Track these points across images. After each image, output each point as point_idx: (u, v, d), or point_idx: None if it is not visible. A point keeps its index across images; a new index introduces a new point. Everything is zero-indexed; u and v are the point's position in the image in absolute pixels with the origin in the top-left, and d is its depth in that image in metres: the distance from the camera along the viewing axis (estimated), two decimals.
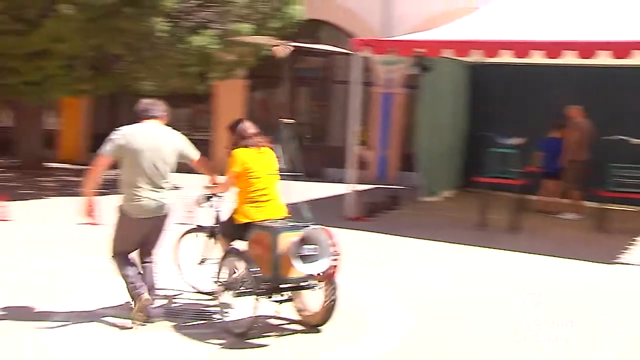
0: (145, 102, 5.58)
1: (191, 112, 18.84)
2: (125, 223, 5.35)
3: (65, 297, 5.89)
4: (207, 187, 5.80)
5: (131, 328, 5.16)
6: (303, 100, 18.74)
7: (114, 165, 5.36)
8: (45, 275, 6.58)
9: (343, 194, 11.35)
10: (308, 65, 18.70)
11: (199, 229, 6.18)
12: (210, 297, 5.86)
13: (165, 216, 5.43)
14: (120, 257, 5.39)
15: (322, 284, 5.22)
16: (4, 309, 5.50)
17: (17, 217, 9.30)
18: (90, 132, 18.10)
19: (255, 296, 5.03)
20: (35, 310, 5.53)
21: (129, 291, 5.29)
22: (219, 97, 17.33)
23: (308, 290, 5.26)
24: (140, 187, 5.25)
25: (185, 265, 6.22)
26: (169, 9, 11.17)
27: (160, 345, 4.94)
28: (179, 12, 11.99)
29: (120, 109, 18.76)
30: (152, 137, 5.35)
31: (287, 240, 5.06)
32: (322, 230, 5.19)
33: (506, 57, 10.15)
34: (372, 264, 7.83)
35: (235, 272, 5.31)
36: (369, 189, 13.28)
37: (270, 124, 18.58)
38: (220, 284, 5.42)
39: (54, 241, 8.14)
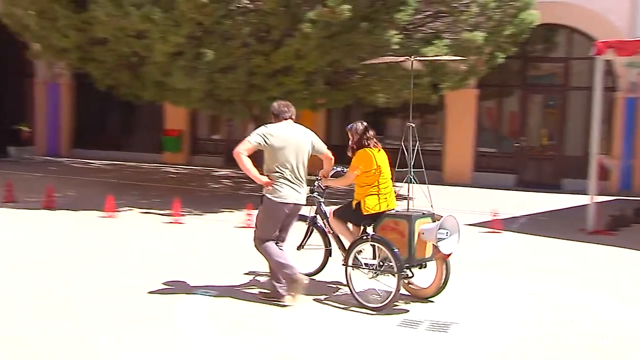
0: (279, 103, 6.19)
1: (421, 123, 18.93)
2: (271, 210, 5.94)
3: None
4: (324, 180, 6.51)
5: (290, 305, 5.80)
6: (536, 107, 17.98)
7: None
8: None
9: (583, 206, 10.66)
10: (541, 72, 17.96)
11: (302, 218, 6.54)
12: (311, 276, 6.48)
13: (301, 205, 6.04)
14: (268, 243, 5.94)
15: (440, 262, 6.05)
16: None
17: None
18: (326, 143, 18.99)
19: (397, 274, 5.71)
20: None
21: (281, 274, 5.86)
22: (449, 107, 17.25)
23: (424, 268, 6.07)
24: (286, 178, 5.89)
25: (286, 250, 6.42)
26: (403, 21, 11.34)
27: (320, 317, 5.67)
28: (411, 24, 12.14)
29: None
30: (293, 134, 6.01)
31: (420, 226, 5.89)
32: (452, 216, 5.93)
33: None
34: (626, 283, 7.22)
35: (375, 255, 6.00)
36: (611, 201, 12.31)
37: (500, 133, 18.23)
38: (352, 265, 6.01)
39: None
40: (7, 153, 19.71)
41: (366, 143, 6.23)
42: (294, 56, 11.61)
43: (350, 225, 6.33)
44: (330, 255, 6.64)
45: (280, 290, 5.92)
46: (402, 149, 6.44)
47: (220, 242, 9.01)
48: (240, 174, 17.43)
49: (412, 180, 6.35)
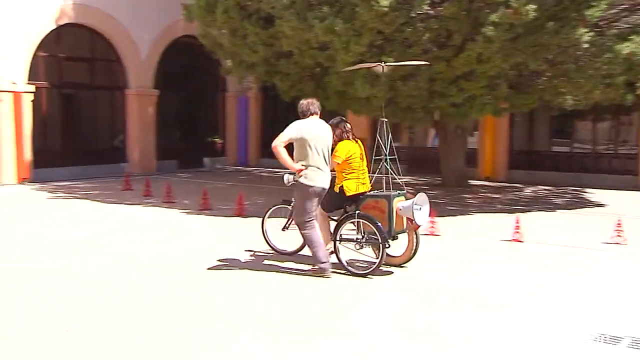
0: (306, 102, 7.29)
1: (612, 125, 17.68)
2: (306, 194, 6.96)
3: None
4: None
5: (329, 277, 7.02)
6: None
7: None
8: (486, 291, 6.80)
9: None
10: None
11: (285, 202, 7.90)
12: (289, 255, 7.91)
13: (327, 189, 7.07)
14: (312, 225, 7.03)
15: (412, 233, 7.37)
16: None
17: (444, 232, 9.85)
18: (509, 149, 18.34)
19: (382, 245, 6.95)
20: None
21: (321, 254, 7.00)
22: None
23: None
24: (319, 167, 6.97)
25: (271, 231, 8.02)
26: (595, 18, 10.66)
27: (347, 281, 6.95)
28: (603, 20, 11.37)
29: (538, 125, 18.62)
30: (319, 128, 7.10)
31: (397, 203, 7.17)
32: (423, 193, 7.28)
33: None
34: None
35: (358, 231, 7.19)
36: None
37: None
38: (339, 240, 7.26)
39: (478, 256, 8.37)
40: (203, 164, 21.21)
41: (346, 136, 7.43)
42: (476, 61, 11.35)
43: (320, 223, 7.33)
44: None
45: (323, 266, 7.03)
46: (378, 141, 7.76)
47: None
48: (421, 181, 17.36)
49: (389, 168, 7.59)
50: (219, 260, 7.91)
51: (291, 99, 14.79)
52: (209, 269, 7.53)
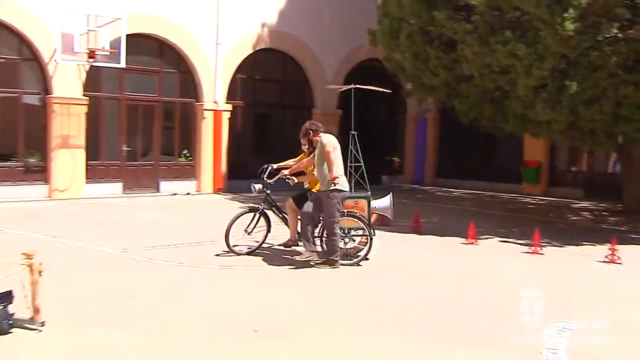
0: (315, 122, 8.89)
1: None
2: (338, 198, 8.32)
3: None
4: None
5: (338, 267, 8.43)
6: None
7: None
8: None
9: None
10: None
11: (253, 209, 9.10)
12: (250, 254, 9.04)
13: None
14: (337, 230, 8.33)
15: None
16: None
17: (625, 260, 9.63)
18: None
19: (370, 237, 8.73)
20: None
21: (336, 248, 8.37)
22: None
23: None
24: (343, 175, 8.50)
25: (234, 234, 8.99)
26: None
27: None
28: None
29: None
30: (337, 142, 8.55)
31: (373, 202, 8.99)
32: (390, 193, 9.58)
33: None
34: None
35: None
36: None
37: None
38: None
39: None
40: (381, 181, 21.96)
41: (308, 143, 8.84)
42: None
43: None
44: (270, 232, 9.11)
45: (336, 258, 8.40)
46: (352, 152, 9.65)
47: (581, 276, 8.97)
48: (600, 207, 16.78)
49: (355, 176, 9.54)
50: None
51: (469, 121, 15.09)
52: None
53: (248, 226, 8.98)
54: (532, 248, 10.21)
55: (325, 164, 8.37)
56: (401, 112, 22.73)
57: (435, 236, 11.55)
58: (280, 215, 9.19)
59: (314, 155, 8.63)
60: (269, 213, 9.12)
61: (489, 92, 13.52)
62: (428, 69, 13.51)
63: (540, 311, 6.18)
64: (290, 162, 9.34)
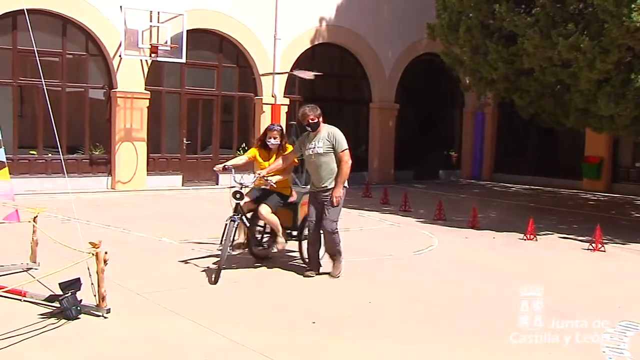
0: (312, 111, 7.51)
1: None
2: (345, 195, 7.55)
3: None
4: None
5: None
6: None
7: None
8: None
9: None
10: None
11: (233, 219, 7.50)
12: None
13: None
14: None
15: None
16: None
17: None
18: None
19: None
20: None
21: (340, 253, 7.56)
22: None
23: None
24: None
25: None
26: None
27: None
28: None
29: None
30: None
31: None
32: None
33: None
34: None
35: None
36: None
37: None
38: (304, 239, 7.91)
39: None
40: (438, 175, 21.82)
41: (286, 140, 8.03)
42: None
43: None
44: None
45: (342, 262, 7.62)
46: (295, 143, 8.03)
47: None
48: None
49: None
50: None
51: (529, 115, 14.84)
52: None
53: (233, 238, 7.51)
54: (593, 245, 10.02)
55: (333, 158, 7.45)
56: (459, 106, 22.50)
57: (492, 231, 11.45)
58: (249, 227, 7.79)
59: (297, 150, 7.73)
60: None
61: (550, 87, 13.26)
62: (487, 63, 13.34)
63: (601, 310, 6.08)
64: (238, 160, 8.16)
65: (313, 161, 7.51)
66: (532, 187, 19.82)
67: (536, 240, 10.67)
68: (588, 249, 10.03)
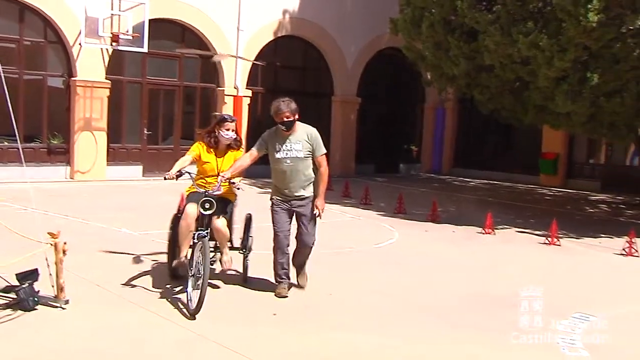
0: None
1: None
2: None
3: None
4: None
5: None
6: None
7: None
8: None
9: None
10: None
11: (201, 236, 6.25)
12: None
13: None
14: None
15: None
16: None
17: None
18: None
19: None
20: None
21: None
22: None
23: None
24: None
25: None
26: None
27: None
28: None
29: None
30: None
31: None
32: None
33: None
34: None
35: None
36: None
37: None
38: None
39: None
40: (398, 169, 22.02)
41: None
42: None
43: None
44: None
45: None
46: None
47: (597, 267, 9.00)
48: (618, 200, 16.72)
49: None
50: None
51: (489, 111, 15.08)
52: None
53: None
54: (549, 239, 10.25)
55: (311, 163, 6.55)
56: (420, 101, 22.71)
57: (452, 225, 11.60)
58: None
59: (261, 147, 6.55)
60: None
61: (509, 83, 13.50)
62: (449, 59, 13.50)
63: (554, 302, 6.23)
64: (183, 162, 6.55)
65: (288, 165, 6.42)
66: (491, 181, 20.16)
67: (494, 234, 10.87)
68: (544, 243, 10.25)
